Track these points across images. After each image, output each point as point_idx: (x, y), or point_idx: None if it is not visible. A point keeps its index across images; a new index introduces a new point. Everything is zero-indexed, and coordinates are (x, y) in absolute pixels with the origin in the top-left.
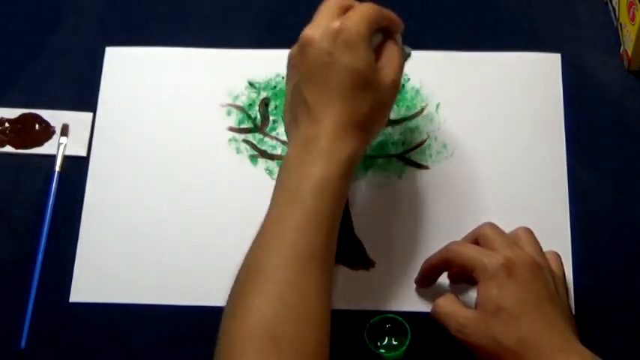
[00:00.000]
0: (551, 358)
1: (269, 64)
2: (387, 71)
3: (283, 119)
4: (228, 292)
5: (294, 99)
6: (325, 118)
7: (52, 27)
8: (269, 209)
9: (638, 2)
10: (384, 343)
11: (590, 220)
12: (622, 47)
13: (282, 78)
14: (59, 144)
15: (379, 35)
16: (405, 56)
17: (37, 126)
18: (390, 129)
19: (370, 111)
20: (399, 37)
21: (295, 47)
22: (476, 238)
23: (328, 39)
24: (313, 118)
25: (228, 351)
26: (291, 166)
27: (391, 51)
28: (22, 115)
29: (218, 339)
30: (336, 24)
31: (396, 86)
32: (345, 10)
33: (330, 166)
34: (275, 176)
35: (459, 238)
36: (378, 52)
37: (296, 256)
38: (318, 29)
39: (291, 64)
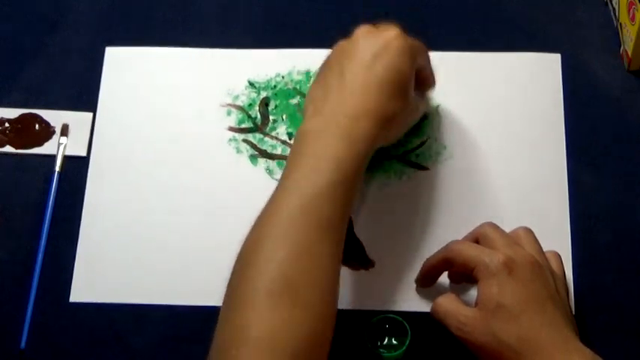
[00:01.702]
0: (552, 356)
1: (269, 64)
2: (416, 98)
3: (310, 90)
4: (242, 245)
5: (331, 74)
6: (360, 100)
7: (52, 27)
8: (286, 171)
9: (638, 2)
10: (384, 343)
11: (590, 220)
12: (622, 47)
13: (283, 78)
14: (59, 144)
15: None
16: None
17: (37, 126)
18: None
19: (396, 114)
20: (429, 94)
21: (347, 39)
22: (476, 238)
23: (385, 37)
24: (348, 97)
25: (244, 301)
26: (313, 135)
27: (421, 95)
28: (22, 115)
29: (230, 287)
30: (396, 30)
31: (420, 113)
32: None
33: (351, 145)
34: (275, 176)
35: (459, 238)
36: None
37: (314, 222)
38: (376, 30)
39: (339, 48)
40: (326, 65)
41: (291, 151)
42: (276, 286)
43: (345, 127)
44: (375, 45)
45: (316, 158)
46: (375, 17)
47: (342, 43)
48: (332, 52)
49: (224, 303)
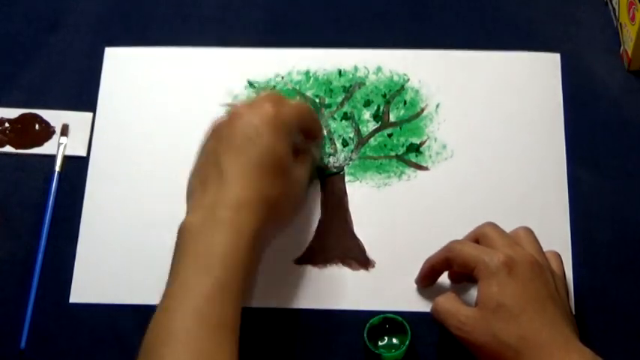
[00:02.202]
0: (552, 356)
1: (269, 63)
2: (299, 170)
3: (189, 184)
4: (140, 350)
5: (207, 164)
6: (236, 187)
7: (52, 27)
8: (173, 273)
9: (638, 2)
10: (384, 343)
11: (590, 220)
12: (622, 47)
13: (282, 78)
14: (59, 144)
15: (300, 135)
16: (331, 171)
17: (37, 126)
18: (389, 131)
19: (279, 196)
20: (317, 145)
21: (222, 118)
22: (476, 238)
23: (258, 117)
24: (225, 186)
25: None
26: (196, 232)
27: (306, 154)
28: (22, 115)
29: None
30: (269, 108)
31: (304, 187)
32: (278, 103)
33: (237, 238)
34: None
35: (459, 238)
36: (295, 151)
37: (207, 324)
38: (250, 108)
39: (214, 131)
40: (202, 150)
41: (175, 249)
42: None
43: (226, 221)
44: (248, 127)
45: (201, 257)
46: (374, 18)
47: (216, 125)
48: (207, 134)
49: None
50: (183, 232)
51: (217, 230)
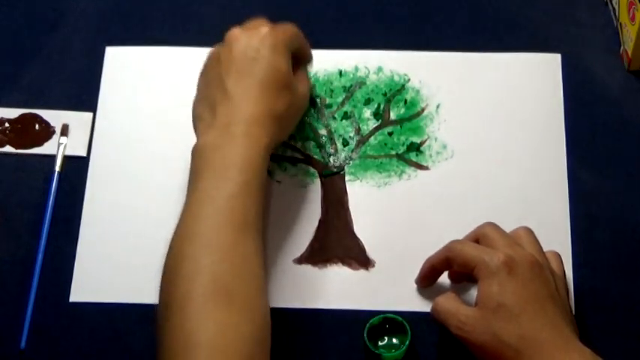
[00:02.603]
0: (552, 356)
1: None
2: (299, 85)
3: (195, 109)
4: (166, 258)
5: (212, 90)
6: (246, 106)
7: (52, 27)
8: (193, 189)
9: (638, 2)
10: (384, 343)
11: (590, 220)
12: (622, 47)
13: None
14: (59, 144)
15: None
16: (331, 171)
17: (37, 126)
18: (390, 129)
19: (285, 110)
20: (308, 68)
21: (220, 45)
22: (477, 238)
23: (257, 38)
24: (234, 106)
25: (182, 307)
26: (212, 147)
27: (302, 72)
28: (22, 115)
29: (163, 300)
30: (265, 29)
31: (307, 99)
32: (271, 24)
33: (252, 149)
34: (275, 177)
35: (459, 238)
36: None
37: (233, 222)
38: (246, 30)
39: (214, 58)
40: (204, 78)
41: (191, 168)
42: (209, 290)
43: (239, 136)
44: (248, 48)
45: (219, 168)
46: (375, 19)
47: (214, 51)
48: (207, 62)
49: (160, 313)
50: (198, 151)
51: (233, 144)
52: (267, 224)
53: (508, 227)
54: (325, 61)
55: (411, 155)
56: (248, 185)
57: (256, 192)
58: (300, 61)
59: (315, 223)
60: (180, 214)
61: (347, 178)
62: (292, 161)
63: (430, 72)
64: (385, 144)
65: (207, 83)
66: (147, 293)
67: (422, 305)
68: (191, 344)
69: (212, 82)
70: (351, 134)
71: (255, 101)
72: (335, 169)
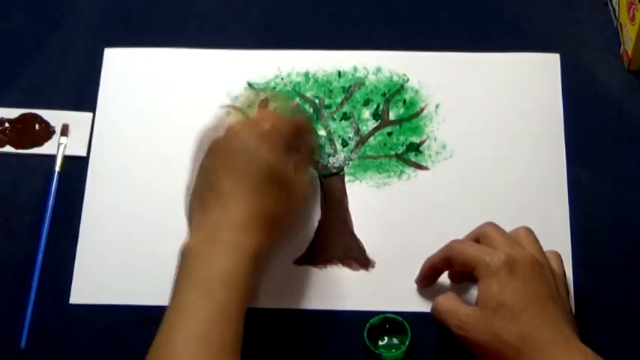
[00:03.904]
0: (553, 355)
1: (268, 64)
2: (297, 172)
3: (187, 201)
4: None
5: (207, 183)
6: (236, 207)
7: (52, 27)
8: (175, 295)
9: (638, 2)
10: (384, 343)
11: (590, 220)
12: (622, 47)
13: (282, 79)
14: (59, 144)
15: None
16: (331, 171)
17: (37, 126)
18: (389, 129)
19: (281, 210)
20: (315, 157)
21: (208, 127)
22: (477, 238)
23: (245, 128)
24: (224, 206)
25: None
26: (197, 253)
27: (304, 171)
28: (22, 115)
29: None
30: (267, 125)
31: (304, 188)
32: (274, 118)
33: (237, 259)
34: None
35: (459, 238)
36: (295, 164)
37: (209, 347)
38: (248, 126)
39: (212, 148)
40: (202, 171)
41: (179, 270)
42: None
43: (227, 242)
44: (245, 146)
45: (204, 279)
46: (374, 19)
47: (215, 144)
48: (207, 153)
49: None
50: (184, 254)
51: (218, 252)
52: None
53: (508, 227)
54: (324, 62)
55: (411, 155)
56: (228, 305)
57: (238, 312)
58: (305, 156)
59: (315, 224)
60: (161, 322)
61: (346, 178)
62: None
63: (429, 72)
64: (384, 144)
65: (203, 176)
66: (147, 294)
67: (422, 305)
68: None
69: (207, 177)
70: (351, 135)
71: (247, 203)
72: (334, 170)
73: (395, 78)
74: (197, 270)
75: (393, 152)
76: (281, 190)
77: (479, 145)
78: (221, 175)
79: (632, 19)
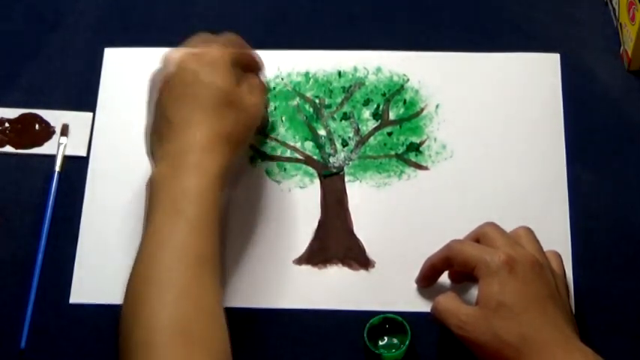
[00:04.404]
0: (553, 355)
1: (268, 64)
2: (249, 95)
3: (147, 141)
4: (125, 295)
5: (164, 118)
6: (197, 132)
7: (51, 27)
8: (148, 224)
9: (638, 2)
10: (384, 343)
11: (590, 220)
12: (622, 47)
13: (282, 79)
14: (59, 144)
15: (238, 70)
16: (331, 171)
17: (37, 126)
18: (389, 129)
19: (239, 129)
20: (261, 72)
21: (158, 69)
22: (477, 237)
23: (193, 60)
24: (185, 133)
25: (143, 355)
26: (163, 182)
27: (252, 81)
28: (22, 115)
29: (124, 347)
30: (214, 54)
31: (259, 109)
32: (207, 42)
33: (203, 178)
34: (275, 177)
35: (459, 238)
36: (239, 81)
37: (187, 263)
38: (182, 51)
39: (153, 84)
40: (159, 108)
41: (148, 201)
42: (168, 333)
43: (194, 165)
44: (185, 72)
45: (171, 202)
46: (374, 19)
47: (166, 80)
48: (161, 90)
49: (121, 349)
50: (153, 183)
51: (185, 175)
52: (267, 225)
53: (508, 227)
54: (324, 62)
55: (411, 155)
56: (201, 220)
57: (211, 225)
58: (248, 69)
59: (315, 224)
60: (137, 252)
61: (346, 178)
62: (292, 162)
63: (429, 72)
64: (384, 144)
65: (160, 112)
66: None
67: (422, 305)
68: None
69: (164, 112)
70: (351, 135)
71: (200, 127)
72: (334, 170)
73: (395, 78)
74: (166, 195)
75: (393, 152)
76: (237, 112)
77: (479, 145)
78: (178, 107)
79: (632, 19)
